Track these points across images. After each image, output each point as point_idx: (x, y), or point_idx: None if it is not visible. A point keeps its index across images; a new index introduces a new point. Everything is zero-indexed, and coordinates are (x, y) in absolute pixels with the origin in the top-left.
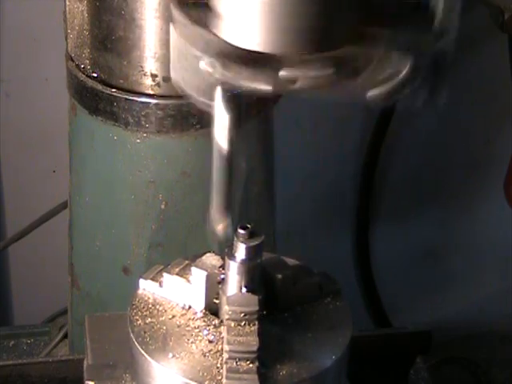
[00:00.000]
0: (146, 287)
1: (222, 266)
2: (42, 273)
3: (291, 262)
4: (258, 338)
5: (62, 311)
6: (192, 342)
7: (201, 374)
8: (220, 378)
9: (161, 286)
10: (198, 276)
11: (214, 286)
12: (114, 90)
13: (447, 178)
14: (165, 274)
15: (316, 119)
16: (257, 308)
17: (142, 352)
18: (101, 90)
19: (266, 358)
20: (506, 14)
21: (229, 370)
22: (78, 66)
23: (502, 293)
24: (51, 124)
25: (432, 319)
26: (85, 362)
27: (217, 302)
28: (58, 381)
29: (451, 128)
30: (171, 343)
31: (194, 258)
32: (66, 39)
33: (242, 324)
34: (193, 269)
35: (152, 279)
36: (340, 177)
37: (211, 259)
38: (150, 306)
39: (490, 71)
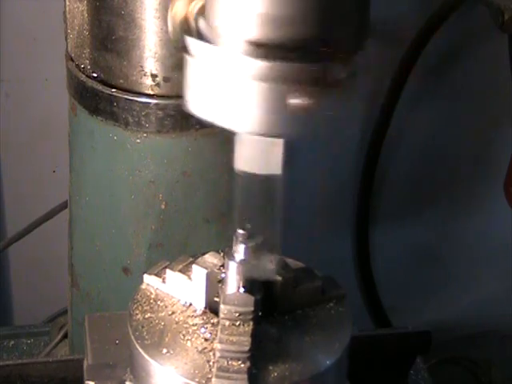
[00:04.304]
0: (150, 282)
1: (223, 265)
2: (42, 273)
3: (295, 264)
4: (250, 339)
5: (62, 311)
6: (188, 339)
7: (192, 370)
8: (211, 376)
9: (164, 282)
10: (198, 274)
11: (215, 284)
12: (114, 90)
13: (447, 178)
14: (167, 271)
15: None
16: (252, 308)
17: (137, 346)
18: (101, 90)
19: (260, 359)
20: (506, 14)
21: (219, 369)
22: (78, 65)
23: (502, 293)
24: (51, 124)
25: (432, 319)
26: (85, 362)
27: (217, 300)
28: (58, 381)
29: (451, 128)
30: (167, 339)
31: (198, 255)
32: (66, 39)
33: (237, 324)
34: (194, 266)
35: (156, 275)
36: (340, 177)
37: (213, 258)
38: (152, 301)
39: (490, 71)
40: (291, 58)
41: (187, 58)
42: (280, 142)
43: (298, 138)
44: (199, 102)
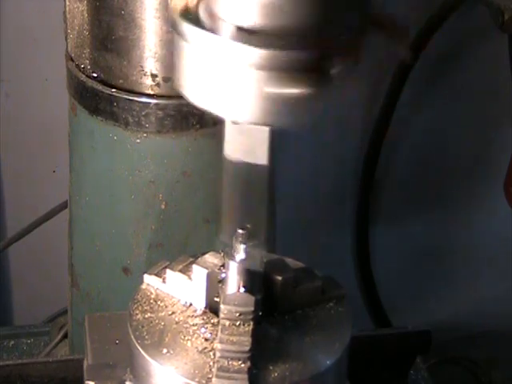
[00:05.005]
0: (150, 282)
1: (224, 265)
2: (42, 273)
3: (295, 264)
4: (251, 339)
5: (61, 311)
6: (188, 339)
7: (193, 370)
8: (211, 376)
9: (164, 282)
10: (198, 274)
11: (215, 284)
12: (114, 90)
13: (447, 178)
14: (167, 271)
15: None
16: (253, 308)
17: (137, 346)
18: (101, 90)
19: (260, 359)
20: (506, 14)
21: (219, 369)
22: (78, 65)
23: (501, 293)
24: (51, 124)
25: (432, 319)
26: (85, 362)
27: (218, 300)
28: (58, 381)
29: (451, 128)
30: (167, 339)
31: (198, 255)
32: (66, 39)
33: (237, 324)
34: (194, 266)
35: (156, 275)
36: (340, 177)
37: (213, 258)
38: (152, 301)
39: (490, 71)
40: (285, 45)
41: (183, 43)
42: (266, 130)
43: (289, 127)
44: (192, 88)
